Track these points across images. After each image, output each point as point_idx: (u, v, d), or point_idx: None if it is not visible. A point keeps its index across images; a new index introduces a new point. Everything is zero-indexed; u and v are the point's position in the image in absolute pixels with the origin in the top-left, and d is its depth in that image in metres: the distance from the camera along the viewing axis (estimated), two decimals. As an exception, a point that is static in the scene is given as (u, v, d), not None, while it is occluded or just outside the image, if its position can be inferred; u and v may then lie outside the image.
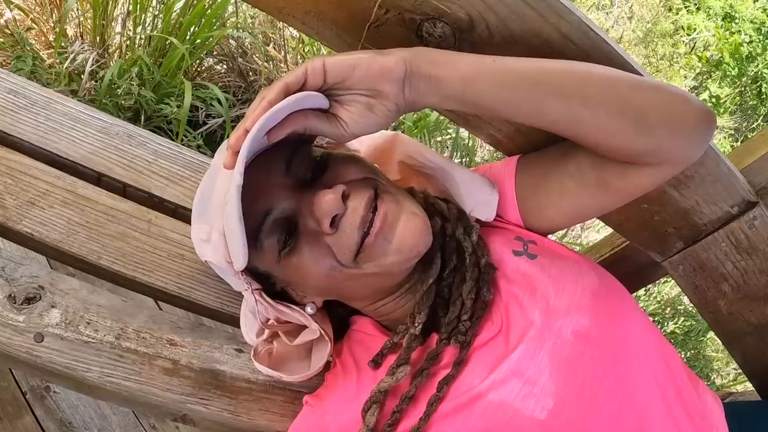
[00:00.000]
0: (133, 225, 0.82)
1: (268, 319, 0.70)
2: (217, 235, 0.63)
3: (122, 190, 0.88)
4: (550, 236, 0.74)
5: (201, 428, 0.80)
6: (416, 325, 0.63)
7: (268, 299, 0.66)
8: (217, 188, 0.63)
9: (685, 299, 2.40)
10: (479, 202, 0.70)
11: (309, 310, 0.67)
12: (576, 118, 0.57)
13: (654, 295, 2.43)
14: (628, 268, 1.00)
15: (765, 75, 3.40)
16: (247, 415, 0.73)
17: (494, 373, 0.59)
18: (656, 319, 2.38)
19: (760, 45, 3.43)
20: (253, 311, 0.72)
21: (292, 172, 0.61)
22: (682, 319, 2.41)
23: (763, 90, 3.39)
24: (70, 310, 0.70)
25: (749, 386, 0.95)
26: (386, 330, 0.70)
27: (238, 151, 0.52)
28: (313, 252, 0.59)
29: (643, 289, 2.40)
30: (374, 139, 0.77)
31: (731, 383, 2.27)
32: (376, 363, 0.65)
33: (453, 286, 0.66)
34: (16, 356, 0.67)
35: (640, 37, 3.53)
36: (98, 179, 0.88)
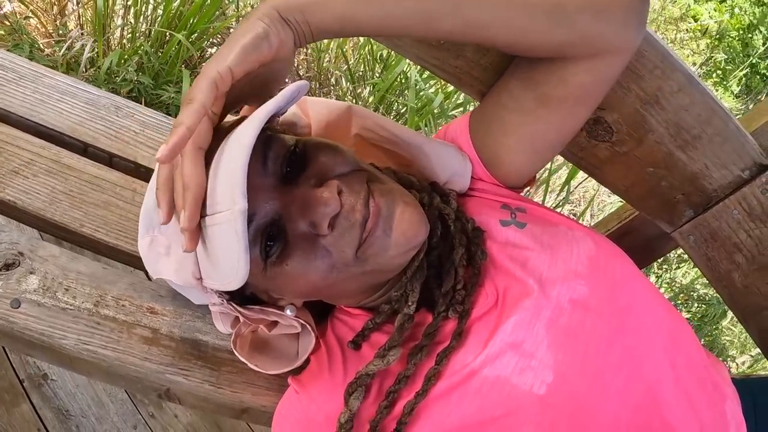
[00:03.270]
0: (117, 194, 0.80)
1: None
2: (182, 251, 0.56)
3: (108, 160, 0.86)
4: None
5: (186, 405, 0.77)
6: (410, 304, 0.59)
7: (239, 309, 0.61)
8: None
9: (699, 286, 2.35)
10: (453, 173, 0.67)
11: (289, 312, 0.61)
12: (472, 24, 0.52)
13: (667, 281, 2.38)
14: (637, 241, 0.96)
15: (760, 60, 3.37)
16: (229, 388, 0.69)
17: (488, 347, 0.55)
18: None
19: (752, 15, 3.42)
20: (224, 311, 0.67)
21: (270, 169, 0.53)
22: (696, 305, 2.36)
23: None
24: (49, 276, 0.68)
25: (763, 373, 0.90)
26: (369, 310, 0.66)
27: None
28: (307, 256, 0.53)
29: (655, 276, 2.36)
30: (326, 114, 0.70)
31: (747, 371, 2.22)
32: (356, 344, 0.61)
33: (443, 256, 0.62)
34: (-8, 322, 0.65)
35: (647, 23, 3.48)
36: (84, 150, 0.87)
